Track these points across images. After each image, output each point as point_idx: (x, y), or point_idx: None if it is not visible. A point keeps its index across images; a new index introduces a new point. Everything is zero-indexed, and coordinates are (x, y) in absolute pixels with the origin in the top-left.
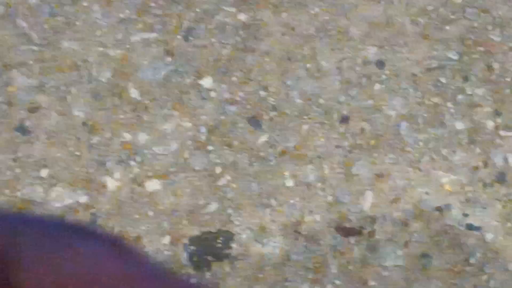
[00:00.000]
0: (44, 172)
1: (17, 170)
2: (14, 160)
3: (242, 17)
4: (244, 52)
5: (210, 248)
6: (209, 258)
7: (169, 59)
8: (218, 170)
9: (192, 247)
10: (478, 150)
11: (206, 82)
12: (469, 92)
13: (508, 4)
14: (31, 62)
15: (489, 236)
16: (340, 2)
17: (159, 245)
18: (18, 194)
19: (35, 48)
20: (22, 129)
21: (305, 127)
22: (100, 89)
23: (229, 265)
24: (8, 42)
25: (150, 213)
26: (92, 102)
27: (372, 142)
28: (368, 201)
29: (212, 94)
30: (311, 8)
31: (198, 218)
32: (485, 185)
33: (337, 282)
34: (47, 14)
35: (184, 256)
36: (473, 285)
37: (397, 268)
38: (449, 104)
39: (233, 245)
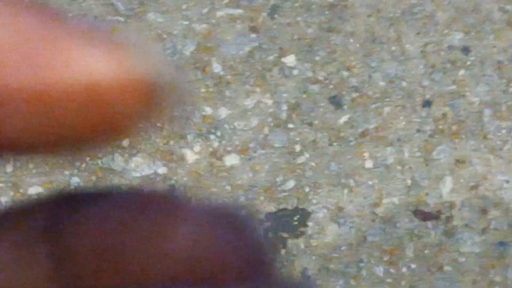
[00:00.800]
0: (125, 142)
1: None
2: None
3: None
4: (329, 32)
5: (286, 225)
6: (285, 235)
7: (253, 35)
8: (297, 148)
9: (267, 223)
10: None
11: (289, 60)
12: None
13: None
14: None
15: None
16: None
17: None
18: (99, 162)
19: (121, 18)
20: None
21: (386, 109)
22: (184, 62)
23: (304, 243)
24: (95, 11)
25: (228, 188)
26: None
27: (454, 127)
28: (447, 187)
29: (295, 72)
30: None
31: (275, 195)
32: None
33: (413, 265)
34: None
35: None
36: None
37: (473, 255)
38: None
39: (309, 224)
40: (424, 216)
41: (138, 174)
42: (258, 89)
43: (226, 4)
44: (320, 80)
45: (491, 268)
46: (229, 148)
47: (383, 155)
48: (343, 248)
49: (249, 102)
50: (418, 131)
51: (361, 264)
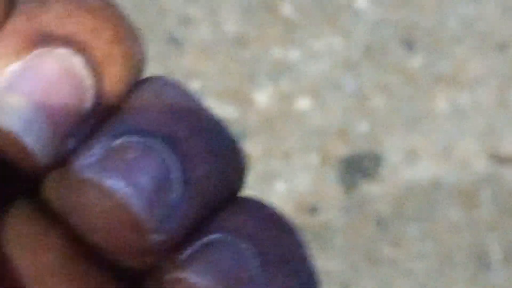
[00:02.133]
0: (194, 84)
1: None
2: (165, 70)
3: None
4: None
5: (359, 169)
6: (358, 178)
7: None
8: (369, 91)
9: (340, 167)
10: None
11: (361, 2)
12: None
13: None
14: None
15: None
16: None
17: (308, 163)
18: None
19: None
20: (174, 41)
21: (461, 52)
22: (254, 3)
23: (377, 186)
24: None
25: (299, 131)
26: (245, 16)
27: None
28: None
29: (367, 14)
30: None
31: (348, 139)
32: None
33: (488, 210)
34: None
35: (332, 175)
36: None
37: None
38: None
39: (382, 167)
40: (500, 160)
41: None
42: (329, 32)
43: None
44: (393, 22)
45: None
46: (300, 91)
47: (458, 99)
48: (416, 191)
49: (320, 45)
50: (494, 74)
51: (436, 208)
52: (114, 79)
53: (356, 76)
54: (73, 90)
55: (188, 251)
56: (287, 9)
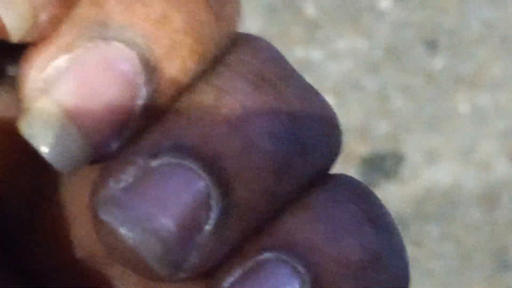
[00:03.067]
0: None
1: None
2: None
3: None
4: None
5: (380, 168)
6: (378, 178)
7: None
8: (391, 91)
9: (361, 166)
10: None
11: (384, 3)
12: None
13: None
14: None
15: None
16: None
17: None
18: None
19: None
20: None
21: (482, 54)
22: (277, 2)
23: (397, 186)
24: None
25: None
26: (268, 15)
27: None
28: None
29: (390, 15)
30: None
31: (369, 138)
32: None
33: (508, 211)
34: None
35: (352, 174)
36: None
37: None
38: None
39: (403, 167)
40: None
41: None
42: (351, 32)
43: None
44: (415, 24)
45: None
46: (321, 91)
47: (479, 100)
48: (436, 192)
49: (342, 45)
50: None
51: (456, 209)
52: (175, 75)
53: (378, 76)
54: (121, 89)
55: (232, 277)
56: (310, 9)
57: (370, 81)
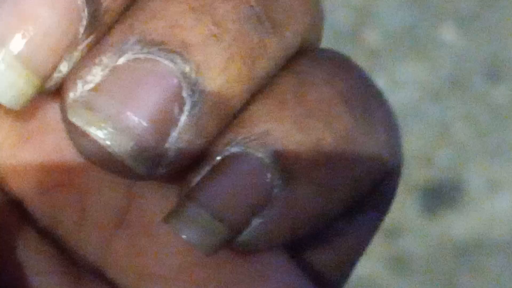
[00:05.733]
0: None
1: None
2: None
3: None
4: (488, 7)
5: (440, 197)
6: (439, 206)
7: (411, 7)
8: (453, 120)
9: (422, 194)
10: None
11: (447, 33)
12: None
13: None
14: None
15: None
16: None
17: None
18: None
19: None
20: None
21: None
22: (340, 29)
23: (458, 215)
24: None
25: None
26: (331, 42)
27: None
28: None
29: (453, 45)
30: None
31: (430, 167)
32: None
33: None
34: None
35: (413, 202)
36: None
37: None
38: None
39: (464, 196)
40: None
41: None
42: (414, 61)
43: None
44: (478, 54)
45: None
46: None
47: None
48: (499, 222)
49: (404, 73)
50: None
51: None
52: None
53: (440, 105)
54: (62, 15)
55: (199, 175)
56: (373, 37)
57: (432, 110)
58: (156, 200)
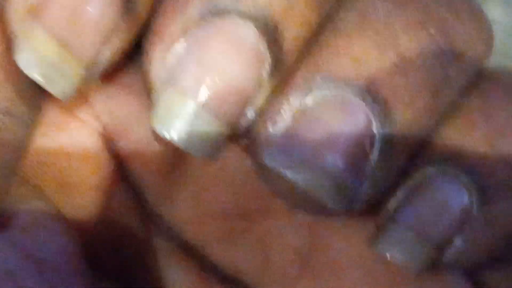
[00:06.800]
0: None
1: None
2: None
3: None
4: None
5: None
6: None
7: None
8: None
9: None
10: None
11: (494, 11)
12: None
13: None
14: None
15: None
16: None
17: None
18: None
19: None
20: None
21: None
22: None
23: None
24: None
25: None
26: None
27: None
28: None
29: (499, 23)
30: None
31: None
32: None
33: None
34: None
35: None
36: None
37: None
38: None
39: None
40: None
41: None
42: None
43: None
44: None
45: None
46: None
47: None
48: None
49: None
50: None
51: None
52: (297, 31)
53: None
54: (245, 63)
55: (396, 199)
56: None
57: None
58: (338, 238)
